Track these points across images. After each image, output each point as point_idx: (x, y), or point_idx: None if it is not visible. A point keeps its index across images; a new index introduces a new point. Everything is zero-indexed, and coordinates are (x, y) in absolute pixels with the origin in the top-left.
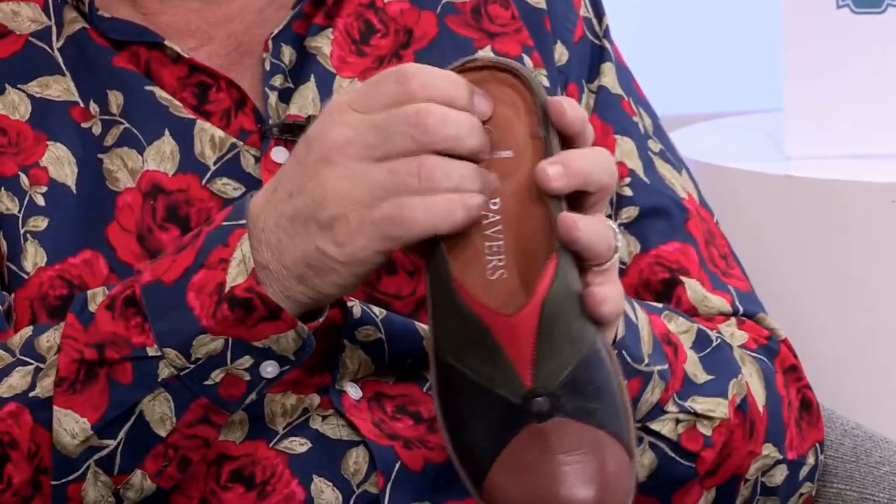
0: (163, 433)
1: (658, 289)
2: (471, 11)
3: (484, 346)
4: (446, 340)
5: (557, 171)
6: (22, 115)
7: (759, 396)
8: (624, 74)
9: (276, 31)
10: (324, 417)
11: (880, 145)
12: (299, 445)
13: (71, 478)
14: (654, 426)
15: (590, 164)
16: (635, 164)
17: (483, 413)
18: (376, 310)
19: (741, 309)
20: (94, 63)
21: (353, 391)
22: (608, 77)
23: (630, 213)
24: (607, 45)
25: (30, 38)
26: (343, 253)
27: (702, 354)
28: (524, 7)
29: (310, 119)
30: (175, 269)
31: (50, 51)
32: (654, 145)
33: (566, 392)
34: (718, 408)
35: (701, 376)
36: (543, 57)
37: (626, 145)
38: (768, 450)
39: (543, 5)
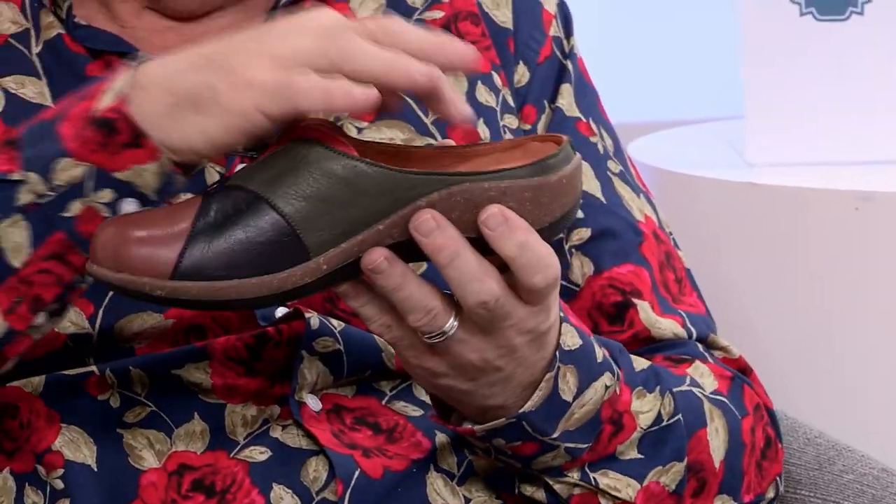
0: (17, 264)
1: (610, 312)
2: (441, 29)
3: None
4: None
5: (427, 224)
6: None
7: (718, 453)
8: (586, 95)
9: None
10: (283, 427)
11: (842, 152)
12: (259, 454)
13: None
14: (548, 479)
15: (459, 279)
16: (590, 185)
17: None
18: (335, 321)
19: (693, 331)
20: (68, 69)
21: (313, 402)
22: (565, 99)
23: (581, 234)
24: (570, 65)
25: (9, 39)
26: (228, 96)
27: (648, 430)
28: (493, 25)
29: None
30: (59, 108)
31: (28, 54)
32: (614, 166)
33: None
34: (626, 489)
35: (628, 454)
36: (507, 77)
37: None
38: (722, 500)
39: (510, 25)
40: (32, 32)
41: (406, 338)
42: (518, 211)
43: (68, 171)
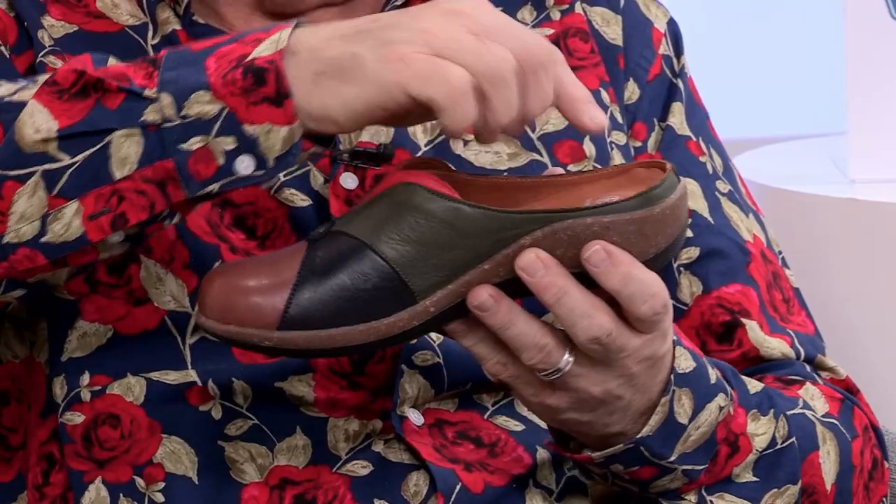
0: (117, 175)
1: (719, 331)
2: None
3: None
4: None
5: (534, 265)
6: None
7: (830, 476)
8: (696, 114)
9: None
10: (386, 441)
11: None
12: (361, 468)
13: (13, 173)
14: (664, 502)
15: (568, 316)
16: (698, 205)
17: None
18: (433, 335)
19: (802, 351)
20: None
21: (415, 417)
22: (676, 117)
23: (690, 253)
24: (680, 84)
25: (126, 28)
26: (375, 68)
27: (764, 452)
28: (602, 42)
29: (381, 146)
30: (207, 43)
31: (144, 44)
32: (723, 186)
33: (334, 245)
34: None
35: (744, 476)
36: (616, 94)
37: (688, 186)
38: None
39: (620, 42)
40: (150, 26)
41: (523, 375)
42: (622, 244)
43: (202, 104)
